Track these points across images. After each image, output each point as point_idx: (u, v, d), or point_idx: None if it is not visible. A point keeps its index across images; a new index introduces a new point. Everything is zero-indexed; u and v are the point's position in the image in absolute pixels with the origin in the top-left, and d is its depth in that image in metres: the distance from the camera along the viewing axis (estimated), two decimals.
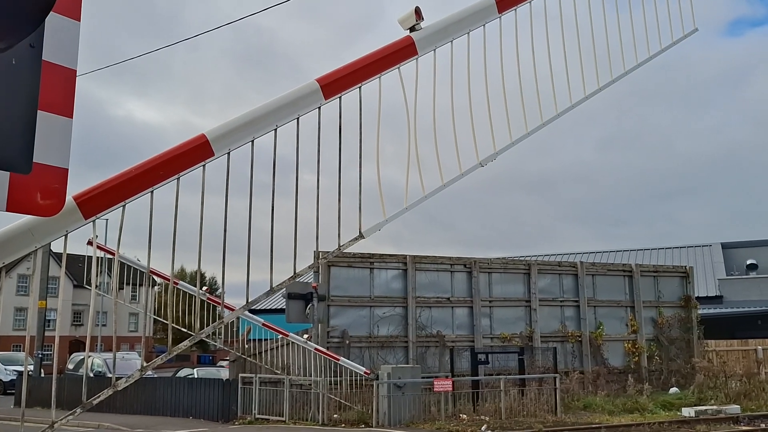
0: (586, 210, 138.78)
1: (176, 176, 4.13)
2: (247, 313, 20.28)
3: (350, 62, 4.48)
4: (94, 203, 3.82)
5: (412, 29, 4.37)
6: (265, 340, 19.61)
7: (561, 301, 23.02)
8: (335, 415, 17.03)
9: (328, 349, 18.79)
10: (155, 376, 25.15)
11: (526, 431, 14.83)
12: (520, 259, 28.76)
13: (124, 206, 4.01)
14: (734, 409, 18.52)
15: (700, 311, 25.32)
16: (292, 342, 18.80)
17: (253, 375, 18.43)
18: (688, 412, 18.07)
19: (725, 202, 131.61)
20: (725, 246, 44.37)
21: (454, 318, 21.35)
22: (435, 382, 17.01)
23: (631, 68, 6.41)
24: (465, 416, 17.03)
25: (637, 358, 23.38)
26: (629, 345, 23.53)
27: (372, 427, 15.93)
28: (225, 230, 4.50)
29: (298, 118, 4.52)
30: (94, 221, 3.94)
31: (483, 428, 15.30)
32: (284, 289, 18.70)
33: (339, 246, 4.58)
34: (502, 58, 5.33)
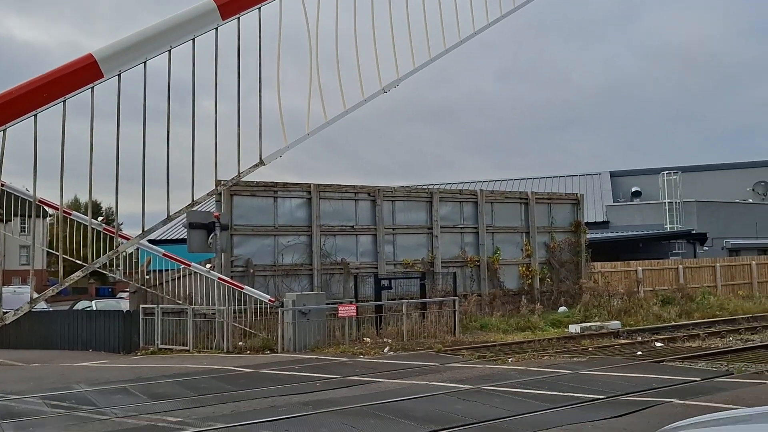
0: (485, 140, 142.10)
1: (62, 99, 3.90)
2: (147, 243, 19.76)
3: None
4: None
5: None
6: (167, 270, 19.25)
7: (461, 228, 23.76)
8: (240, 343, 17.14)
9: (232, 278, 18.69)
10: (51, 309, 24.31)
11: (426, 351, 15.50)
12: (423, 187, 29.33)
13: (4, 131, 3.77)
14: (615, 324, 20.04)
15: (588, 236, 26.84)
16: (195, 272, 18.57)
17: (155, 306, 18.15)
18: (574, 328, 19.40)
19: (614, 132, 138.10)
20: (613, 174, 46.88)
21: (358, 245, 21.66)
22: (339, 308, 17.36)
23: None
24: (369, 339, 17.56)
25: (530, 280, 24.67)
26: (524, 268, 24.75)
27: (277, 353, 16.16)
28: (117, 157, 4.33)
29: (193, 39, 4.34)
30: None
31: (386, 350, 15.85)
32: (185, 218, 18.30)
33: (239, 173, 4.52)
34: None
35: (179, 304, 18.33)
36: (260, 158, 4.61)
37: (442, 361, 13.62)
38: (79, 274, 4.41)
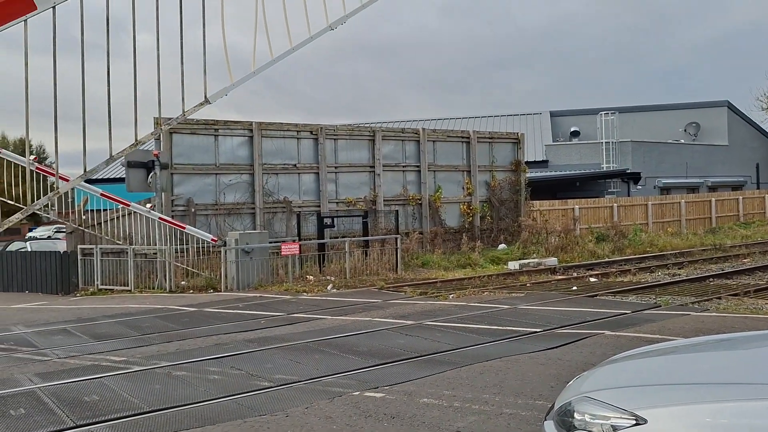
0: (428, 77, 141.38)
1: None
2: (83, 183, 19.18)
3: None
4: None
5: None
6: (105, 210, 18.81)
7: (403, 166, 23.88)
8: (183, 282, 17.04)
9: (173, 218, 18.41)
10: None
11: (368, 288, 15.77)
12: (366, 125, 29.19)
13: None
14: (552, 261, 20.74)
15: (528, 175, 27.38)
16: (135, 212, 18.20)
17: (94, 246, 17.80)
18: (513, 265, 20.00)
19: (555, 72, 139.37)
20: (553, 114, 47.55)
21: (300, 184, 21.57)
22: (282, 247, 17.38)
23: None
24: (312, 277, 17.71)
25: (471, 218, 25.15)
26: (465, 207, 25.18)
27: (221, 291, 16.16)
28: (55, 96, 4.18)
29: None
30: None
31: (329, 288, 16.05)
32: (123, 157, 17.77)
33: (183, 112, 4.43)
34: None
35: (119, 244, 18.02)
36: (205, 96, 4.53)
37: (385, 298, 13.90)
38: (18, 216, 4.29)
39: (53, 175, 18.78)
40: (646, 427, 3.06)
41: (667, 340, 8.34)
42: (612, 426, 3.17)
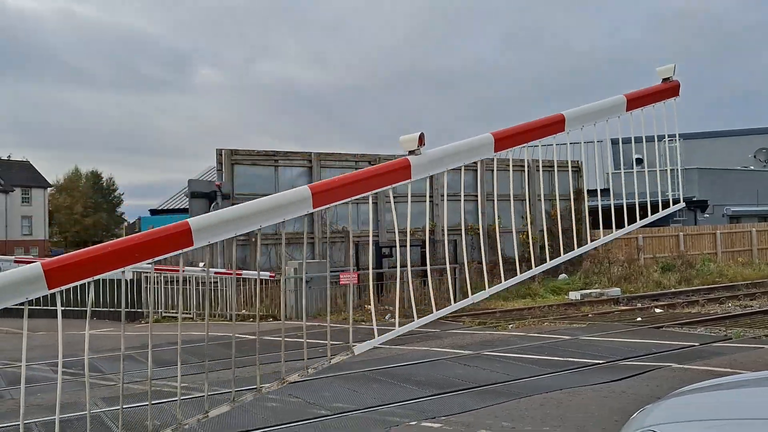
0: (486, 109, 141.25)
1: None
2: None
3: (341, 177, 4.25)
4: None
5: (411, 152, 4.25)
6: None
7: (462, 196, 23.78)
8: (243, 311, 17.30)
9: (235, 247, 18.76)
10: None
11: (426, 316, 15.63)
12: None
13: None
14: (615, 291, 20.20)
15: (589, 203, 26.87)
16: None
17: (161, 273, 18.29)
18: (574, 295, 19.57)
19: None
20: (614, 142, 46.69)
21: (359, 214, 21.73)
22: (341, 276, 17.48)
23: None
24: (370, 307, 17.71)
25: (530, 248, 24.75)
26: (524, 236, 24.84)
27: (280, 320, 16.33)
28: None
29: None
30: None
31: (387, 317, 16.02)
32: (186, 188, 18.33)
33: (328, 358, 4.37)
34: None
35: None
36: (350, 346, 4.56)
37: (443, 328, 13.78)
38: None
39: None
40: None
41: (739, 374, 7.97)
42: None
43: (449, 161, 4.42)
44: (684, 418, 3.48)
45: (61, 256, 3.27)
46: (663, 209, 5.51)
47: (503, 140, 4.57)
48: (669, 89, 5.15)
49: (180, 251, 3.38)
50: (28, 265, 3.10)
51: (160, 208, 36.50)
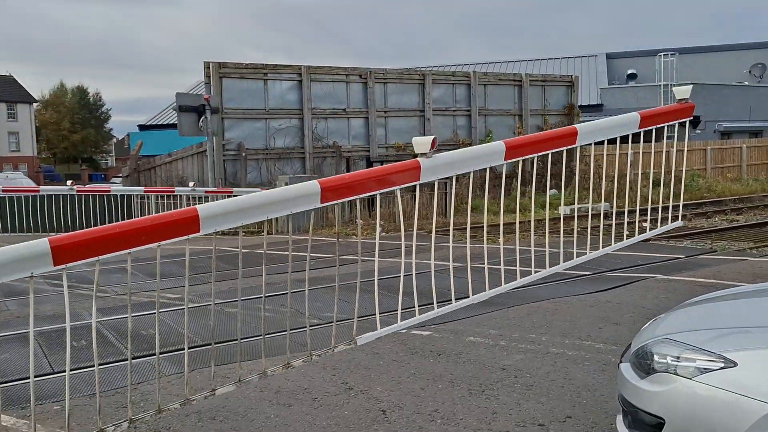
0: (480, 21, 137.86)
1: None
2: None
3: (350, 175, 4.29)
4: None
5: (422, 155, 4.25)
6: (158, 156, 19.21)
7: (454, 110, 23.56)
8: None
9: (224, 162, 18.68)
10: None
11: (418, 232, 15.78)
12: (415, 69, 28.74)
13: None
14: (604, 206, 20.36)
15: (581, 119, 26.70)
16: (188, 156, 18.48)
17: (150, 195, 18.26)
18: (564, 210, 19.72)
19: (613, 13, 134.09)
20: (609, 56, 45.99)
21: (349, 129, 21.54)
22: None
23: None
24: (361, 221, 17.84)
25: (522, 163, 24.74)
26: None
27: (272, 233, 16.44)
28: None
29: None
30: None
31: (378, 232, 16.16)
32: (175, 102, 18.02)
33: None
34: None
35: (171, 186, 18.42)
36: (354, 338, 4.73)
37: (434, 241, 13.91)
38: None
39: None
40: (736, 370, 2.97)
41: (724, 286, 8.15)
42: (698, 368, 3.07)
43: (459, 166, 4.58)
44: (702, 327, 3.54)
45: (69, 234, 3.26)
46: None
47: (514, 149, 4.72)
48: (682, 110, 5.45)
49: (186, 236, 3.41)
50: (36, 241, 3.12)
51: (148, 124, 36.05)
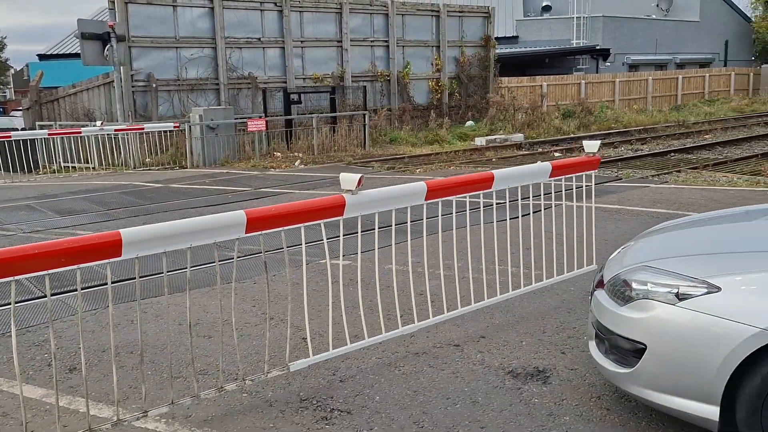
0: None
1: None
2: None
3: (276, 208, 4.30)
4: None
5: (348, 191, 4.35)
6: (61, 87, 18.18)
7: (372, 41, 23.26)
8: (147, 159, 16.84)
9: (133, 94, 17.90)
10: None
11: (336, 164, 15.79)
12: None
13: None
14: (519, 137, 20.89)
15: (497, 50, 26.94)
16: (94, 86, 17.60)
17: (53, 123, 17.34)
18: (480, 141, 20.11)
19: None
20: None
21: (265, 59, 20.96)
22: (248, 123, 17.15)
23: None
24: (279, 154, 17.64)
25: (439, 95, 24.90)
26: (433, 83, 24.86)
27: (187, 168, 16.06)
28: None
29: None
30: None
31: (297, 164, 16.04)
32: (77, 29, 16.94)
33: None
34: None
35: (78, 121, 17.56)
36: (287, 365, 4.62)
37: (353, 173, 13.96)
38: None
39: None
40: (720, 294, 2.96)
41: (627, 211, 8.61)
42: (680, 294, 3.06)
43: (383, 204, 4.77)
44: (675, 254, 3.52)
45: None
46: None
47: (435, 191, 5.00)
48: (589, 162, 6.06)
49: (107, 260, 3.39)
50: None
51: (48, 53, 33.90)
